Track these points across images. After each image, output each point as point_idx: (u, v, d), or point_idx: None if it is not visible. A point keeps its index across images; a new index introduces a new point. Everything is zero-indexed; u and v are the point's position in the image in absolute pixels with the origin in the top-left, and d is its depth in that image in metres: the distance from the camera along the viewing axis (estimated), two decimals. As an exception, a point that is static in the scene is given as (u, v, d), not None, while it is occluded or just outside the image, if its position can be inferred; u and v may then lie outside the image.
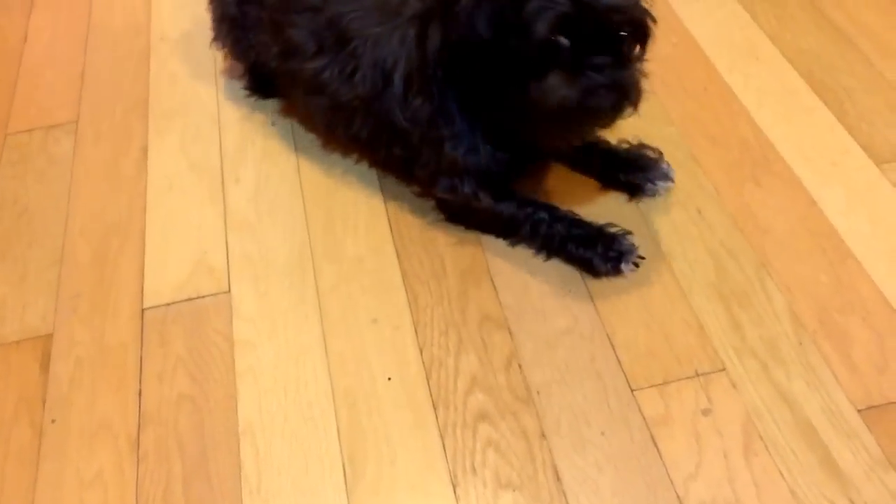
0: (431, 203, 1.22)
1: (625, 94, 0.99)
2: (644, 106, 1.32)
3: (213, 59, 1.50)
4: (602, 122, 1.06)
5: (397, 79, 1.10)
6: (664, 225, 1.17)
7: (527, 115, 1.03)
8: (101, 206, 1.28)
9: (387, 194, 1.26)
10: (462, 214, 1.20)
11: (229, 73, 1.46)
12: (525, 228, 1.15)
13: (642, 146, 1.23)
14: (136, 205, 1.28)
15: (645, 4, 0.99)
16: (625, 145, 1.23)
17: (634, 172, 1.21)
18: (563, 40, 0.94)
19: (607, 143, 1.24)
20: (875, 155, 1.23)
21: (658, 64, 1.41)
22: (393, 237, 1.20)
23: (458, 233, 1.20)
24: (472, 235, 1.19)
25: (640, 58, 1.02)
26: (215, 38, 1.37)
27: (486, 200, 1.15)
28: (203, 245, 1.22)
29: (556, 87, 0.97)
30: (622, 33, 0.97)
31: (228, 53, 1.40)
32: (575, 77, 0.96)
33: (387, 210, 1.24)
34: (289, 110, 1.40)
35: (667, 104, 1.35)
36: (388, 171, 1.28)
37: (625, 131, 1.26)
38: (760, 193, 1.20)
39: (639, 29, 0.98)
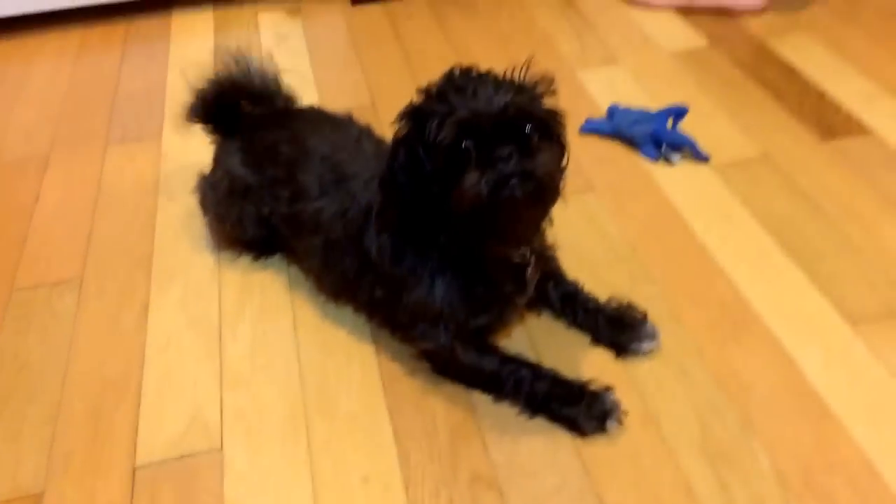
0: (420, 357, 1.25)
1: (536, 182, 1.01)
2: (626, 265, 1.42)
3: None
4: (523, 214, 1.07)
5: (373, 217, 1.19)
6: (649, 383, 1.21)
7: (456, 226, 1.06)
8: (100, 361, 1.31)
9: (379, 349, 1.30)
10: (446, 367, 1.23)
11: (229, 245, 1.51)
12: (508, 386, 1.18)
13: (630, 306, 1.28)
14: (134, 361, 1.31)
15: (548, 101, 1.07)
16: (613, 304, 1.29)
17: (620, 332, 1.25)
18: (467, 143, 1.00)
19: (595, 301, 1.29)
20: (848, 315, 1.28)
21: (638, 226, 1.51)
22: (385, 393, 1.23)
23: (449, 388, 1.22)
24: (462, 390, 1.22)
25: (552, 147, 1.05)
26: (220, 219, 1.45)
27: (462, 353, 1.19)
28: (198, 401, 1.24)
29: (470, 186, 1.00)
30: (526, 126, 1.02)
31: (231, 229, 1.44)
32: (484, 172, 1.00)
33: (380, 365, 1.27)
34: (289, 262, 1.46)
35: (648, 264, 1.41)
36: (376, 315, 1.32)
37: (609, 289, 1.32)
38: (741, 352, 1.24)
39: (539, 122, 1.04)
